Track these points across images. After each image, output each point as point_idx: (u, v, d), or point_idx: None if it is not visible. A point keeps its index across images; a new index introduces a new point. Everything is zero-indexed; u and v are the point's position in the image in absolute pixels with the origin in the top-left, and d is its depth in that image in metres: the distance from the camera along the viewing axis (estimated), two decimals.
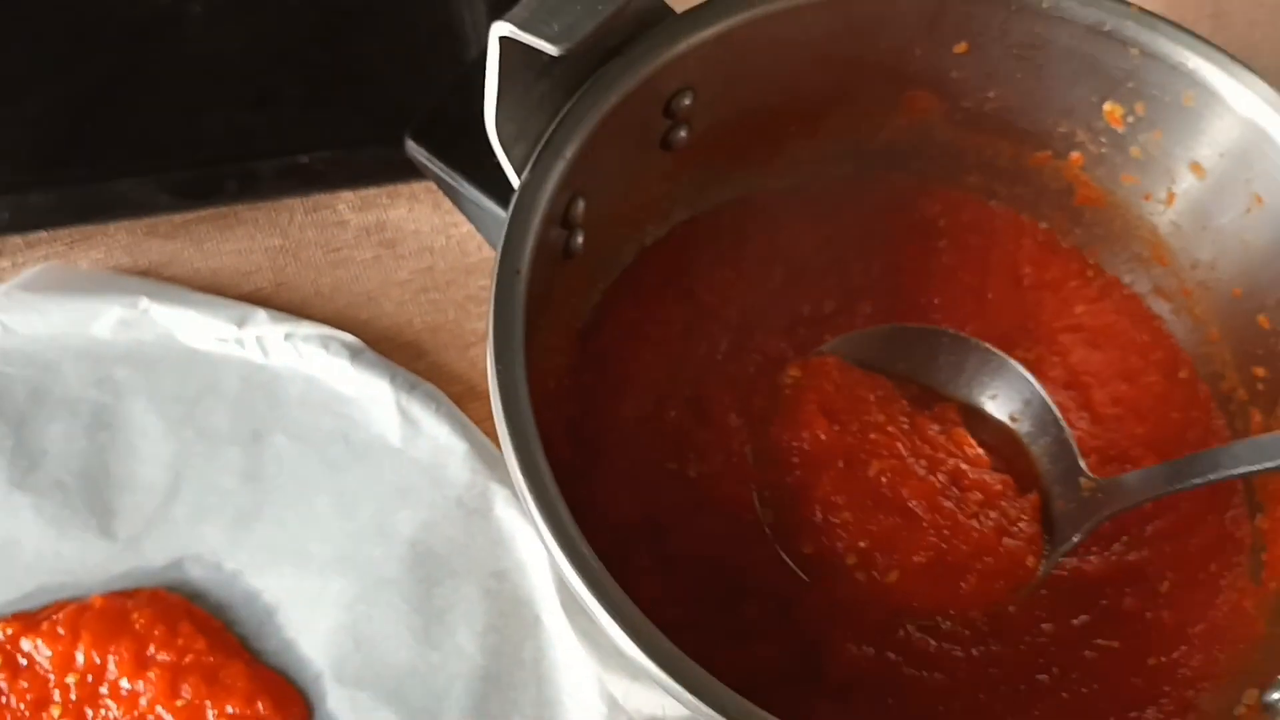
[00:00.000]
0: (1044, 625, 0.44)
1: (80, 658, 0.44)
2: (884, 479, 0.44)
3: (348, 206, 0.54)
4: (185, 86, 0.55)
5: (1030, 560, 0.44)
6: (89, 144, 0.53)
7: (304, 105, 0.55)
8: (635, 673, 0.37)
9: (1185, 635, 0.44)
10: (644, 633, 0.35)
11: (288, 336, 0.49)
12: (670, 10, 0.42)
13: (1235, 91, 0.43)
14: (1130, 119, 0.46)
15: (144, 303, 0.49)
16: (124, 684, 0.43)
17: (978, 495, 0.45)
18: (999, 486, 0.45)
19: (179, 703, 0.43)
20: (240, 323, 0.49)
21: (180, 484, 0.47)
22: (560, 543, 0.36)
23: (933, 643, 0.44)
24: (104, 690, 0.44)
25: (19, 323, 0.49)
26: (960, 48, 0.46)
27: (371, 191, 0.54)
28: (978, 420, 0.48)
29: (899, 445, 0.45)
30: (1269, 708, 0.39)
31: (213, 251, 0.53)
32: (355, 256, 0.53)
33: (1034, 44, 0.45)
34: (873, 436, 0.45)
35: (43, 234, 0.52)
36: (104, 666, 0.44)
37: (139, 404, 0.48)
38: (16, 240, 0.52)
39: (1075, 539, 0.44)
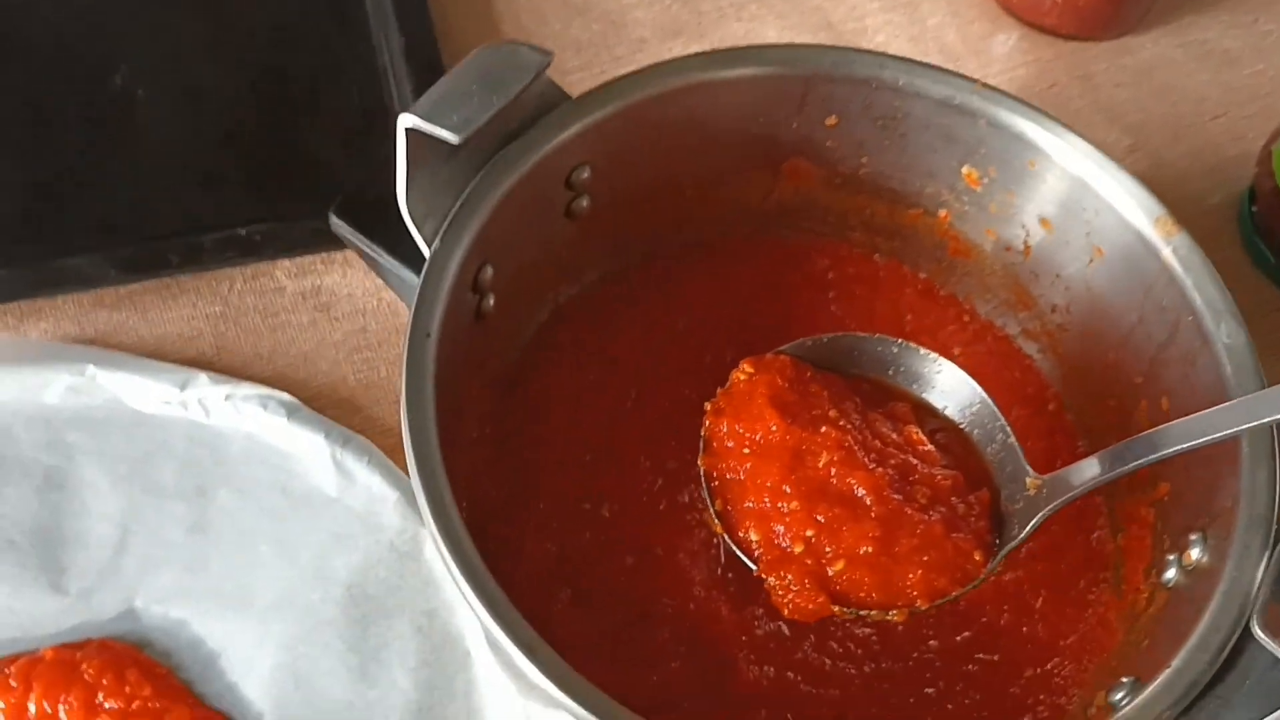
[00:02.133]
0: (931, 642, 0.48)
1: (32, 708, 0.45)
2: (833, 470, 0.45)
3: (285, 274, 0.57)
4: (136, 169, 0.58)
5: (978, 555, 0.44)
6: (43, 224, 0.56)
7: (246, 185, 0.58)
8: (548, 700, 0.40)
9: (1058, 647, 0.48)
10: (547, 660, 0.38)
11: (228, 397, 0.52)
12: (566, 95, 0.47)
13: (1062, 151, 0.48)
14: (986, 180, 0.51)
15: (91, 370, 0.52)
16: None
17: (926, 490, 0.45)
18: (948, 482, 0.46)
19: None
20: (183, 386, 0.52)
21: (128, 539, 0.50)
22: (466, 577, 0.39)
23: (828, 662, 0.47)
24: None
25: None
26: (830, 121, 0.50)
27: (307, 259, 0.57)
28: (933, 419, 0.49)
29: (849, 439, 0.45)
30: (1112, 706, 0.43)
31: (157, 320, 0.56)
32: (292, 320, 0.56)
33: (895, 116, 0.50)
34: (824, 429, 0.45)
35: None
36: (55, 715, 0.45)
37: (89, 465, 0.51)
38: None
39: (1021, 535, 0.45)
